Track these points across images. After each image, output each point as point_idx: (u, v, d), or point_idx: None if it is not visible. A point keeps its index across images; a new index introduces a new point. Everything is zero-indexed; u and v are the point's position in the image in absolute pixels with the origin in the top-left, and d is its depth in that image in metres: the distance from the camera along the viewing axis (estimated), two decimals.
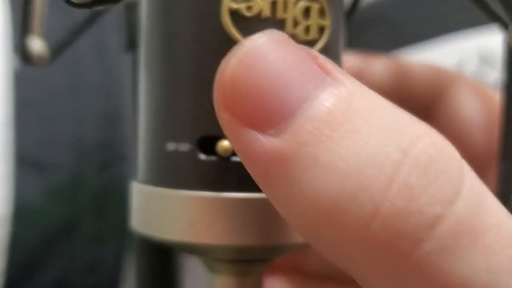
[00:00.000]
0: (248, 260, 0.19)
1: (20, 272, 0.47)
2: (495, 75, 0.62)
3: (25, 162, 0.47)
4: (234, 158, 0.17)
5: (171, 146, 0.17)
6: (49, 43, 0.22)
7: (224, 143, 0.17)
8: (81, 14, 0.26)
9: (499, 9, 0.19)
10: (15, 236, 0.46)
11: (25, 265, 0.47)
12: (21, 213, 0.47)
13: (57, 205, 0.48)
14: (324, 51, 0.17)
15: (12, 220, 0.46)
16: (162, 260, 0.27)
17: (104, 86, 0.52)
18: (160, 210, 0.17)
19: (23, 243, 0.47)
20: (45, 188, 0.48)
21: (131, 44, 0.27)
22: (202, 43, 0.17)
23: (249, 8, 0.16)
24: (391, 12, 0.73)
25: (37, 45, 0.21)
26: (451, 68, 0.63)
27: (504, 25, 0.19)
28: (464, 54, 0.63)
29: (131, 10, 0.27)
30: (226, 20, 0.16)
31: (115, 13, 0.33)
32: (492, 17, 0.19)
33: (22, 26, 0.21)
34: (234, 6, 0.16)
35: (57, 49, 0.23)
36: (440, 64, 0.64)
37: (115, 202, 0.50)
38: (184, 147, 0.17)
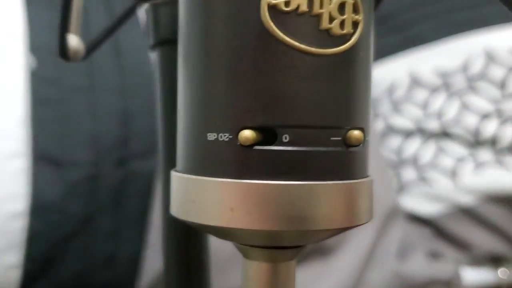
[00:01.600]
0: (282, 247, 0.20)
1: (38, 266, 0.48)
2: (500, 72, 0.63)
3: (43, 159, 0.48)
4: (271, 148, 0.18)
5: (211, 137, 0.18)
6: (84, 40, 0.23)
7: (245, 133, 0.17)
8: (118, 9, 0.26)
9: None
10: (34, 231, 0.47)
11: (43, 260, 0.48)
12: (39, 209, 0.47)
13: (75, 201, 0.49)
14: (358, 44, 0.18)
15: (30, 216, 0.47)
16: (190, 248, 0.27)
17: (120, 84, 0.52)
18: (201, 197, 0.18)
19: (41, 238, 0.48)
20: (63, 184, 0.49)
21: (158, 42, 0.28)
22: (241, 37, 0.17)
23: (287, 3, 0.17)
24: (398, 11, 0.73)
25: (74, 41, 0.22)
26: (457, 67, 0.64)
27: None
28: (470, 54, 0.64)
29: (158, 8, 0.28)
30: (265, 15, 0.17)
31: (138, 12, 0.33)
32: None
33: (61, 23, 0.22)
34: (273, 1, 0.17)
35: (92, 46, 0.23)
36: (447, 63, 0.64)
37: (132, 197, 0.51)
38: (224, 137, 0.18)
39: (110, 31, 0.24)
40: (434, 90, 0.65)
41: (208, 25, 0.18)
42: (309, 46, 0.17)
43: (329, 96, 0.18)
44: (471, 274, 0.60)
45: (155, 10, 0.28)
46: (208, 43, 0.18)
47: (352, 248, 0.56)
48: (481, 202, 0.61)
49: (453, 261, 0.61)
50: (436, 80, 0.65)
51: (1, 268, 0.47)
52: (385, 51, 0.70)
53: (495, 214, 0.61)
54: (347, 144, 0.18)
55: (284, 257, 0.20)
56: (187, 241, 0.27)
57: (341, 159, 0.18)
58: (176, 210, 0.20)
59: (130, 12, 0.24)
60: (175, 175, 0.20)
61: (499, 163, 0.61)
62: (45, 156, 0.49)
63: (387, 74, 0.69)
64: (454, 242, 0.62)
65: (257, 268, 0.20)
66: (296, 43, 0.17)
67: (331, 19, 0.18)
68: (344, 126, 0.18)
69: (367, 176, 0.20)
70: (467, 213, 0.62)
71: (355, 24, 0.18)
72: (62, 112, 0.50)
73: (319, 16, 0.17)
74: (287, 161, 0.18)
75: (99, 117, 0.51)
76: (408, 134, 0.66)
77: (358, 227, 0.20)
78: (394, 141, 0.67)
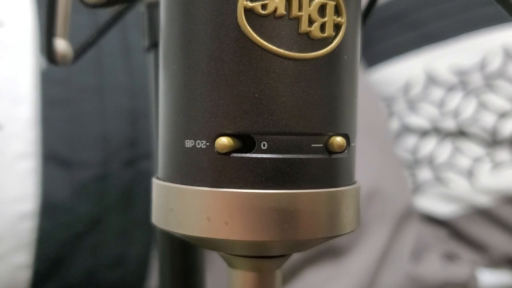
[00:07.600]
0: (265, 256, 0.19)
1: (48, 266, 0.48)
2: None
3: (52, 159, 0.48)
4: (249, 155, 0.17)
5: (188, 144, 0.18)
6: (73, 44, 0.23)
7: (222, 140, 0.17)
8: (104, 15, 0.26)
9: None
10: (44, 231, 0.47)
11: (53, 259, 0.49)
12: (49, 209, 0.48)
13: (84, 201, 0.49)
14: (341, 47, 0.18)
15: (40, 216, 0.47)
16: (185, 254, 0.27)
17: (129, 85, 0.52)
18: (179, 206, 0.18)
19: (51, 238, 0.48)
20: (72, 184, 0.49)
21: (153, 44, 0.27)
22: (219, 41, 0.17)
23: (264, 6, 0.17)
24: (413, 8, 0.72)
25: (61, 45, 0.22)
26: (474, 65, 0.63)
27: None
28: (488, 51, 0.63)
29: (153, 9, 0.27)
30: (242, 19, 0.17)
31: (139, 12, 0.33)
32: None
33: (47, 27, 0.21)
34: (250, 4, 0.16)
35: (81, 49, 0.23)
36: (464, 61, 0.63)
37: (140, 197, 0.51)
38: (201, 144, 0.17)
39: (99, 34, 0.24)
40: (450, 88, 0.64)
41: (187, 28, 0.18)
42: (288, 50, 0.17)
43: (309, 102, 0.17)
44: (488, 276, 0.59)
45: (150, 12, 0.28)
46: (186, 46, 0.18)
47: (365, 249, 0.55)
48: (499, 203, 0.59)
49: (469, 263, 0.60)
50: (452, 78, 0.64)
51: (11, 268, 0.47)
52: (400, 49, 0.69)
53: None
54: (330, 151, 0.18)
55: (268, 267, 0.19)
56: (182, 247, 0.27)
57: (324, 167, 0.18)
58: (156, 219, 0.19)
59: (119, 15, 0.24)
60: (155, 182, 0.19)
61: None
62: (54, 157, 0.49)
63: (403, 72, 0.67)
64: (471, 243, 0.61)
65: (242, 278, 0.19)
66: (274, 48, 0.17)
67: (311, 22, 0.17)
68: (326, 132, 0.18)
69: (353, 183, 0.19)
70: (484, 214, 0.60)
71: (337, 27, 0.17)
72: (71, 112, 0.50)
73: (298, 19, 0.17)
74: (265, 169, 0.17)
75: (108, 118, 0.51)
76: (423, 133, 0.65)
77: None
78: (410, 141, 0.65)
